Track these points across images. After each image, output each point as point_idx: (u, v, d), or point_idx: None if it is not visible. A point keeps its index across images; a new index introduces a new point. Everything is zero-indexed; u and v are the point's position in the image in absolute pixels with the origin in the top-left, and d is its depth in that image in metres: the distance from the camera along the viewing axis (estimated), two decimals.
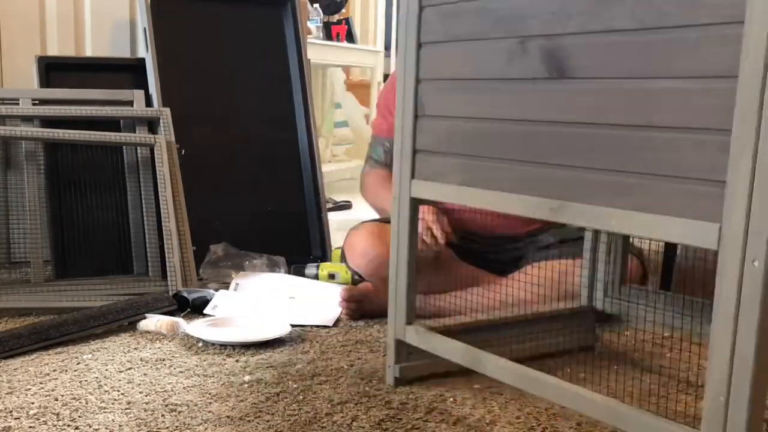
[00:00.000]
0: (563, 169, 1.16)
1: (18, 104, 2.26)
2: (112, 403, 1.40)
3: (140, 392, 1.45)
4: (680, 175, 0.99)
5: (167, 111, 2.32)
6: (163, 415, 1.35)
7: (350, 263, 2.06)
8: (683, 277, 1.97)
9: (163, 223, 2.17)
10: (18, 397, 1.42)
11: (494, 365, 1.34)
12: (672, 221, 1.01)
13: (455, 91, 1.35)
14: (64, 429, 1.29)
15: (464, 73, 1.33)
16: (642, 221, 1.05)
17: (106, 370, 1.57)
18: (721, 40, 0.94)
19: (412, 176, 1.43)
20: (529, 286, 1.79)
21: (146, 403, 1.40)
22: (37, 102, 2.30)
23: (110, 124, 2.30)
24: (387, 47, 5.23)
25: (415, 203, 1.45)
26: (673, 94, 1.00)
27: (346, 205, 3.68)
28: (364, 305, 1.97)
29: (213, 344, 1.74)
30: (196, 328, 1.80)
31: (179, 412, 1.37)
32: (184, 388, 1.48)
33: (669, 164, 1.01)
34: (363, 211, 3.34)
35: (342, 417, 1.36)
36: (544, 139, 1.19)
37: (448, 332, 1.48)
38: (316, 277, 2.32)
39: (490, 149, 1.29)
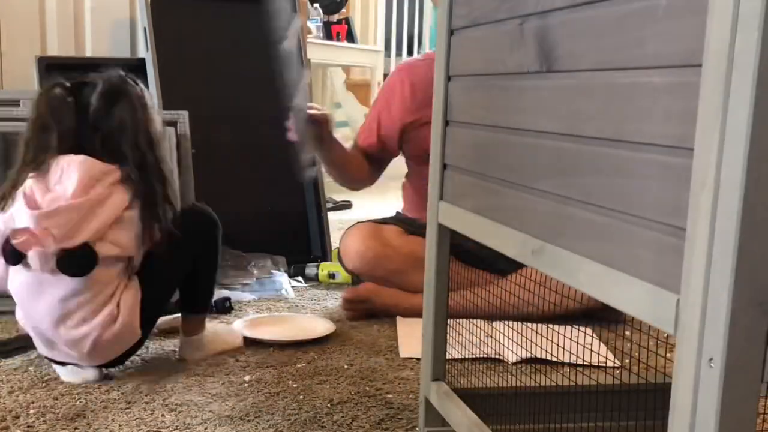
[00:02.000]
0: (548, 199, 0.87)
1: (19, 105, 2.26)
2: (112, 403, 1.40)
3: (140, 392, 1.45)
4: (644, 216, 0.70)
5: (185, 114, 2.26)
6: (163, 415, 1.35)
7: (346, 264, 2.06)
8: None
9: None
10: (18, 397, 1.42)
11: None
12: (628, 283, 0.71)
13: (474, 90, 1.08)
14: (64, 429, 1.29)
15: (476, 67, 1.07)
16: (606, 279, 0.75)
17: (107, 369, 1.56)
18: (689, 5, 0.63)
19: (440, 197, 1.17)
20: (526, 290, 1.79)
21: (146, 403, 1.40)
22: None
23: None
24: (387, 47, 5.23)
25: (444, 231, 1.17)
26: (642, 92, 0.70)
27: (346, 205, 3.67)
28: (367, 306, 1.97)
29: None
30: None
31: (179, 412, 1.37)
32: (184, 387, 1.48)
33: (634, 198, 0.71)
34: (363, 211, 3.34)
35: (342, 417, 1.36)
36: (532, 156, 0.91)
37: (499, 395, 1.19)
38: (316, 276, 2.33)
39: (492, 166, 1.02)
